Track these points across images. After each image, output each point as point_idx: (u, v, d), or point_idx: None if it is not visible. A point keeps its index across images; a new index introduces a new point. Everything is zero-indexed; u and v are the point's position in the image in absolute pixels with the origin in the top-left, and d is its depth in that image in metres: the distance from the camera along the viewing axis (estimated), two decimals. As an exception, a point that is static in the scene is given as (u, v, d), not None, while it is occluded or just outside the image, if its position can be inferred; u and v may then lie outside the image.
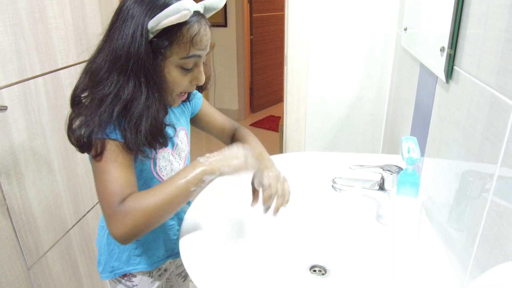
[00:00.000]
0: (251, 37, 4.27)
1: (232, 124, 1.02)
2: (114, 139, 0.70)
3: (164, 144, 0.76)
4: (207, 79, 0.95)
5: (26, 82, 1.12)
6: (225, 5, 4.00)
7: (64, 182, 1.31)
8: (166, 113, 0.83)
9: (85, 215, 1.44)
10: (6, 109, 1.02)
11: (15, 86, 1.08)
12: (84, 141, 0.69)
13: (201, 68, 0.78)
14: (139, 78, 0.69)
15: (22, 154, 1.11)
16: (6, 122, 1.05)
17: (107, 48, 0.71)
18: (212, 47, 4.18)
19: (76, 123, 0.72)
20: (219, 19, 4.09)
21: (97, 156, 0.70)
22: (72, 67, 1.32)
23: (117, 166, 0.70)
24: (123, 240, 0.67)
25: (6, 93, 1.04)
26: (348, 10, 1.36)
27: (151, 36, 0.69)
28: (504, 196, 0.50)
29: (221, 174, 0.69)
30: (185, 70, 0.75)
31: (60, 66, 1.26)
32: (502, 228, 0.50)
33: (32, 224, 1.17)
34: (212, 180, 0.70)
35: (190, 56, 0.73)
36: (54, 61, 1.23)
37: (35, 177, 1.17)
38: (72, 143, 0.73)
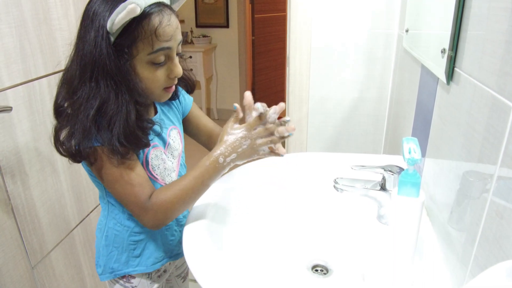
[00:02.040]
0: (253, 38, 4.27)
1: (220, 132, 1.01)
2: (103, 146, 0.71)
3: (145, 146, 0.77)
4: (193, 82, 0.94)
5: (31, 83, 1.13)
6: (227, 6, 4.02)
7: (67, 182, 1.32)
8: (149, 112, 0.86)
9: (88, 215, 1.45)
10: (11, 110, 1.03)
11: (20, 87, 1.09)
12: (75, 152, 0.71)
13: (176, 60, 0.76)
14: (107, 82, 0.70)
15: (27, 155, 1.12)
16: (11, 122, 1.06)
17: (76, 56, 0.72)
18: (214, 47, 4.19)
19: (63, 134, 0.73)
20: (221, 20, 4.10)
21: (93, 164, 0.73)
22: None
23: (123, 169, 0.74)
24: (158, 227, 0.79)
25: (11, 94, 1.05)
26: (350, 11, 1.37)
27: (112, 38, 0.68)
28: (503, 196, 0.51)
29: (233, 153, 0.76)
30: (157, 65, 0.74)
31: (64, 67, 1.26)
32: (502, 228, 0.50)
33: (36, 224, 1.18)
34: (229, 162, 0.76)
35: (157, 50, 0.72)
36: (58, 62, 1.24)
37: (39, 177, 1.18)
38: (62, 155, 0.74)
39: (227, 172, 1.01)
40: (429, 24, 0.90)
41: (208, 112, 4.37)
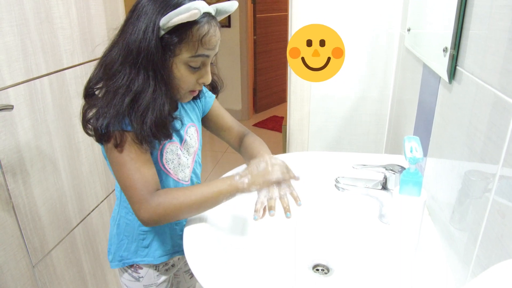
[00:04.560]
0: (255, 37, 4.28)
1: (240, 129, 1.03)
2: (130, 131, 0.74)
3: (168, 137, 0.79)
4: (219, 82, 0.97)
5: (32, 81, 1.13)
6: (229, 6, 4.02)
7: (68, 181, 1.32)
8: (174, 107, 0.88)
9: (89, 213, 1.45)
10: (12, 108, 1.03)
11: (21, 85, 1.09)
12: (102, 132, 0.73)
13: (208, 68, 0.81)
14: (148, 72, 0.73)
15: (28, 153, 1.12)
16: (12, 121, 1.06)
17: (121, 42, 0.74)
18: (216, 47, 4.19)
19: (91, 114, 0.76)
20: (223, 20, 4.08)
21: (117, 146, 0.74)
22: (78, 67, 1.33)
23: (137, 157, 0.75)
24: (148, 224, 0.77)
25: (12, 93, 1.05)
26: (351, 10, 1.36)
27: (162, 32, 0.72)
28: (506, 196, 0.50)
29: (250, 191, 0.77)
30: (193, 68, 0.78)
31: (65, 66, 1.27)
32: (504, 227, 0.50)
33: (37, 223, 1.18)
34: (244, 182, 0.76)
35: (198, 55, 0.76)
36: (59, 61, 1.24)
37: (41, 176, 1.18)
38: (88, 133, 0.77)
39: (229, 171, 1.01)
40: (431, 23, 0.90)
41: (210, 112, 4.37)
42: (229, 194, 0.76)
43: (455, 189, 0.69)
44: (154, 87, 0.74)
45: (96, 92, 0.79)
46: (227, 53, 4.23)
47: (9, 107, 1.02)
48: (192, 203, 0.75)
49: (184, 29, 0.72)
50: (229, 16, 4.07)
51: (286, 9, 4.28)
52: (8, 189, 1.06)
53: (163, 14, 0.70)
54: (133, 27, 0.72)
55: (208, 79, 0.81)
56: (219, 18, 0.80)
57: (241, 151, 0.99)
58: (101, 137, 0.74)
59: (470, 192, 0.62)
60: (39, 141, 1.17)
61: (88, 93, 0.79)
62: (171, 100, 0.80)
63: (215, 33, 0.77)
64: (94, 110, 0.76)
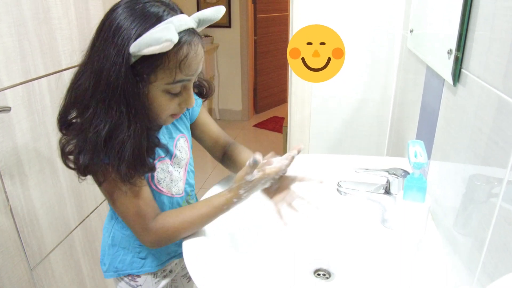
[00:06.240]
0: (255, 37, 4.27)
1: (227, 139, 0.98)
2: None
3: (150, 170, 0.74)
4: (210, 86, 0.92)
5: (30, 82, 1.11)
6: (229, 6, 4.01)
7: (67, 183, 1.31)
8: (154, 136, 0.79)
9: (88, 216, 1.44)
10: (9, 110, 1.02)
11: (19, 86, 1.07)
12: (84, 169, 0.69)
13: (191, 91, 0.74)
14: (120, 106, 0.65)
15: (26, 155, 1.11)
16: (10, 123, 1.05)
17: (89, 69, 0.67)
18: (216, 47, 4.18)
19: (70, 147, 0.71)
20: (223, 20, 4.09)
21: (101, 184, 0.72)
22: (76, 68, 1.31)
23: (129, 187, 0.72)
24: (154, 247, 0.82)
25: (10, 94, 1.04)
26: (353, 11, 1.35)
27: (133, 59, 0.64)
28: (513, 202, 0.49)
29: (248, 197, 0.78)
30: (172, 94, 0.71)
31: (64, 67, 1.26)
32: None
33: (35, 225, 1.16)
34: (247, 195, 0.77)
35: (177, 82, 0.69)
36: (58, 62, 1.22)
37: (39, 178, 1.17)
38: (69, 167, 0.72)
39: (229, 174, 1.00)
40: (434, 24, 0.89)
41: (210, 112, 4.36)
42: (226, 208, 0.77)
43: (459, 194, 0.68)
44: (129, 123, 0.66)
45: (74, 121, 0.73)
46: (227, 53, 4.22)
47: (7, 109, 1.01)
48: (192, 223, 0.77)
49: (159, 54, 0.63)
50: (229, 16, 4.06)
51: (286, 10, 4.27)
52: (5, 192, 1.05)
53: (133, 39, 0.62)
54: (100, 53, 0.65)
55: (191, 103, 0.74)
56: (201, 28, 0.72)
57: (224, 159, 0.97)
58: (83, 172, 0.70)
59: (475, 197, 0.61)
60: (37, 143, 1.16)
61: (63, 124, 0.73)
62: (148, 130, 0.73)
63: (196, 55, 0.68)
64: (73, 144, 0.70)
